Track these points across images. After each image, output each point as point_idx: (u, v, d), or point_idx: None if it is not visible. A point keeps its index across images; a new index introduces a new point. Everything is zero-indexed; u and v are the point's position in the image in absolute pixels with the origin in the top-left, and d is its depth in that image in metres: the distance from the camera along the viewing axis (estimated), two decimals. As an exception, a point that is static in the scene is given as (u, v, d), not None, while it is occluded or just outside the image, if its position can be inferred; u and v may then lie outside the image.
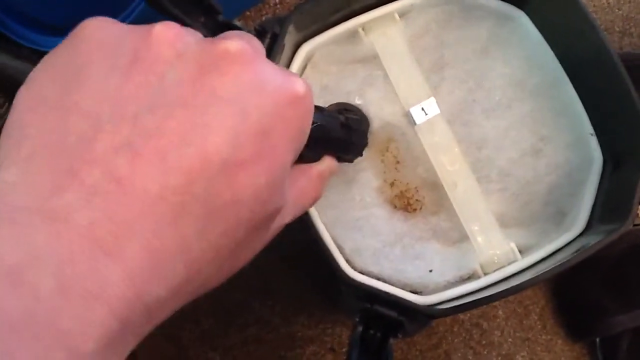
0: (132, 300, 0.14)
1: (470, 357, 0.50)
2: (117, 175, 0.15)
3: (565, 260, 0.27)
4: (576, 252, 0.28)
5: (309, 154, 0.19)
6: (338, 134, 0.24)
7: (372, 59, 0.34)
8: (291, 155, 0.18)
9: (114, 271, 0.14)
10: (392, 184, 0.32)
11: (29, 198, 0.14)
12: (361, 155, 0.29)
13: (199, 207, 0.15)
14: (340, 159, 0.25)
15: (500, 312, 0.50)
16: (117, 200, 0.14)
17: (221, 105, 0.16)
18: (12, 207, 0.14)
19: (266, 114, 0.17)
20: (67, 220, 0.14)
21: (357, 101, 0.33)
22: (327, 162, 0.24)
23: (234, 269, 0.19)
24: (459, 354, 0.50)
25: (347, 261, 0.29)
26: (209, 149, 0.15)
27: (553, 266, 0.27)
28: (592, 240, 0.29)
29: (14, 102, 0.16)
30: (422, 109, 0.32)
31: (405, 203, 0.32)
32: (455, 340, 0.50)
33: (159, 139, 0.15)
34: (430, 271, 0.29)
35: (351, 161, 0.29)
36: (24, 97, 0.16)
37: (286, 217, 0.21)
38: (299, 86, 0.18)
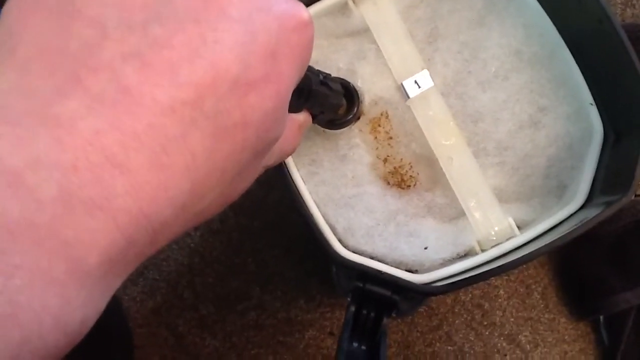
0: (137, 216, 0.14)
1: (472, 338, 0.49)
2: (125, 84, 0.14)
3: (564, 234, 0.26)
4: (576, 225, 0.27)
5: (293, 102, 0.19)
6: (318, 88, 0.25)
7: (364, 32, 0.33)
8: (294, 84, 0.18)
9: (121, 183, 0.13)
10: (385, 160, 0.31)
11: (29, 103, 0.13)
12: (341, 125, 0.29)
13: (209, 124, 0.15)
14: (314, 119, 0.26)
15: (501, 292, 0.49)
16: (125, 109, 0.14)
17: (231, 23, 0.15)
18: (9, 111, 0.13)
19: (274, 36, 0.16)
20: (72, 127, 0.13)
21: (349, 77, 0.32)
22: (305, 115, 0.24)
23: (230, 199, 0.18)
24: (461, 335, 0.49)
25: (340, 240, 0.29)
26: (220, 65, 0.15)
27: (552, 240, 0.26)
28: (593, 213, 0.28)
29: (5, 8, 0.15)
30: (415, 82, 0.31)
31: (399, 179, 0.30)
32: (457, 321, 0.49)
33: (170, 51, 0.14)
34: (426, 248, 0.28)
35: (322, 124, 0.29)
36: (16, 2, 0.15)
37: (271, 159, 0.21)
38: (304, 13, 0.17)
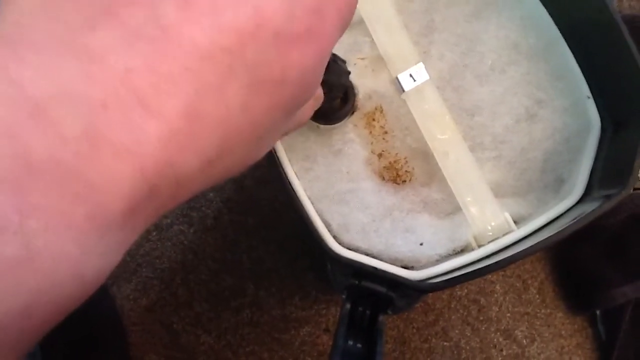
0: (164, 165, 0.13)
1: (468, 334, 0.49)
2: (163, 22, 0.13)
3: (562, 228, 0.26)
4: (574, 219, 0.26)
5: None
6: (331, 64, 0.24)
7: (358, 25, 0.32)
8: (334, 45, 0.17)
9: (151, 127, 0.13)
10: (380, 155, 0.30)
11: (56, 28, 0.12)
12: (335, 120, 0.29)
13: (247, 76, 0.14)
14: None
15: (498, 287, 0.49)
16: (162, 49, 0.13)
17: None
18: (33, 34, 0.12)
19: None
20: (103, 60, 0.12)
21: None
22: (320, 90, 0.23)
23: (253, 160, 0.17)
24: (457, 331, 0.49)
25: (335, 237, 0.28)
26: (265, 12, 0.14)
27: (550, 235, 0.26)
28: (591, 207, 0.27)
29: None
30: (411, 75, 0.31)
31: (394, 174, 0.30)
32: (453, 316, 0.49)
33: None
34: (421, 244, 0.28)
35: (316, 118, 0.29)
36: None
37: (291, 124, 0.20)
38: None
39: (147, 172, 0.13)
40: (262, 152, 0.18)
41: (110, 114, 0.12)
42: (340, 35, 0.17)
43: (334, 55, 0.25)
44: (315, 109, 0.22)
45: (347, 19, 0.17)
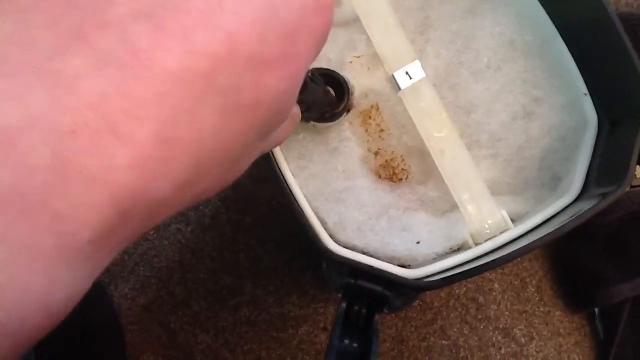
0: (135, 192, 0.13)
1: (467, 332, 0.49)
2: (134, 47, 0.13)
3: (559, 226, 0.26)
4: (571, 217, 0.26)
5: None
6: (308, 82, 0.24)
7: (353, 22, 0.32)
8: (307, 67, 0.17)
9: (121, 154, 0.12)
10: (376, 153, 0.30)
11: (27, 55, 0.12)
12: (330, 118, 0.29)
13: (220, 100, 0.14)
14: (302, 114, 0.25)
15: (496, 286, 0.49)
16: (133, 74, 0.13)
17: None
18: (5, 63, 0.12)
19: (294, 16, 0.15)
20: (72, 86, 0.12)
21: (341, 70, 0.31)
22: (296, 109, 0.23)
23: (227, 182, 0.17)
24: (455, 329, 0.48)
25: (331, 235, 0.28)
26: (237, 38, 0.14)
27: (547, 233, 0.26)
28: (588, 205, 0.27)
29: None
30: (407, 73, 0.31)
31: (390, 172, 0.30)
32: (451, 315, 0.49)
33: (185, 15, 0.13)
34: (418, 243, 0.28)
35: (312, 118, 0.29)
36: None
37: (266, 145, 0.20)
38: None
39: (118, 199, 0.12)
40: (238, 173, 0.18)
41: (79, 140, 0.12)
42: (316, 56, 0.17)
43: (311, 73, 0.25)
44: (293, 128, 0.22)
45: (322, 41, 0.17)
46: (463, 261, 0.27)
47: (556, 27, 0.32)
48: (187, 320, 0.51)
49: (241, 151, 0.16)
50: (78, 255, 0.12)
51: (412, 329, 0.49)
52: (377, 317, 0.24)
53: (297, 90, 0.17)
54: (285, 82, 0.16)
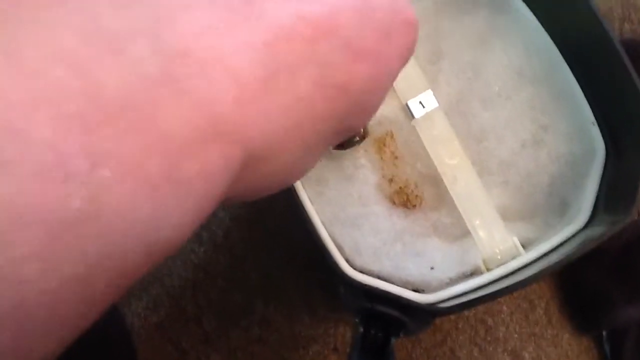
0: (236, 129, 0.12)
1: (476, 354, 0.49)
2: None
3: (569, 253, 0.27)
4: (580, 244, 0.27)
5: None
6: None
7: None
8: (394, 76, 0.17)
9: (227, 88, 0.12)
10: (390, 180, 0.31)
11: None
12: (347, 145, 0.30)
13: (316, 71, 0.14)
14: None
15: (505, 308, 0.49)
16: (244, 17, 0.13)
17: None
18: None
19: (388, 19, 0.16)
20: (185, 10, 0.12)
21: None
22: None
23: (288, 179, 0.17)
24: (465, 351, 0.49)
25: (347, 260, 0.29)
26: (340, 17, 0.14)
27: (557, 260, 0.26)
28: (596, 231, 0.28)
29: None
30: (420, 102, 0.32)
31: (404, 199, 0.31)
32: (461, 337, 0.49)
33: None
34: (432, 268, 0.29)
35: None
36: None
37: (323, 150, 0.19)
38: (413, 12, 0.17)
39: (220, 134, 0.12)
40: (300, 172, 0.17)
41: (190, 64, 0.11)
42: (401, 69, 0.18)
43: None
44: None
45: (408, 54, 0.18)
46: (476, 286, 0.28)
47: (563, 55, 0.33)
48: (199, 339, 0.52)
49: (319, 137, 0.15)
50: (183, 189, 0.11)
51: (422, 350, 0.49)
52: (393, 341, 0.25)
53: (384, 94, 0.17)
54: (373, 79, 0.16)
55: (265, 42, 0.13)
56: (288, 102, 0.14)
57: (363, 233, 0.29)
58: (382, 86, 0.16)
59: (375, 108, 0.17)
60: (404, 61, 0.18)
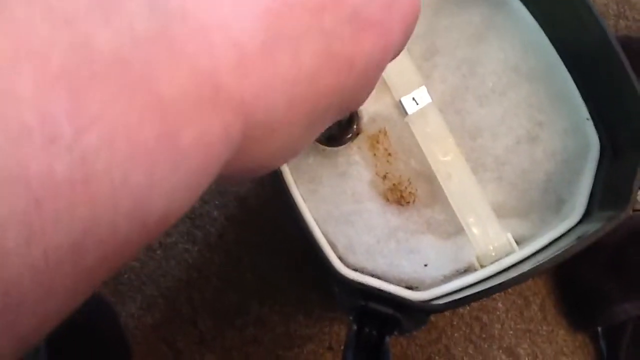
0: (235, 95, 0.12)
1: (471, 351, 0.49)
2: None
3: (564, 249, 0.26)
4: (575, 240, 0.27)
5: None
6: None
7: (361, 49, 0.33)
8: (397, 52, 0.17)
9: (228, 53, 0.11)
10: (384, 177, 0.31)
11: None
12: (339, 142, 0.30)
13: (322, 42, 0.14)
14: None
15: (500, 305, 0.49)
16: None
17: None
18: None
19: None
20: None
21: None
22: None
23: (290, 153, 0.16)
24: (460, 348, 0.49)
25: (340, 258, 0.29)
26: None
27: (552, 256, 0.26)
28: (591, 227, 0.28)
29: None
30: (413, 98, 0.31)
31: (398, 196, 0.31)
32: (456, 334, 0.49)
33: None
34: (426, 265, 0.28)
35: (321, 141, 0.30)
36: None
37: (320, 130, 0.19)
38: None
39: (220, 102, 0.11)
40: (297, 151, 0.17)
41: (187, 24, 0.11)
42: (405, 43, 0.17)
43: None
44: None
45: (411, 27, 0.17)
46: (469, 283, 0.28)
47: (559, 53, 0.33)
48: (194, 340, 0.51)
49: (321, 114, 0.15)
50: (179, 156, 0.10)
51: (417, 347, 0.49)
52: (388, 339, 0.25)
53: (380, 73, 0.17)
54: (378, 52, 0.15)
55: (268, 9, 0.12)
56: (292, 75, 0.13)
57: (357, 230, 0.29)
58: (386, 58, 0.16)
59: (374, 85, 0.17)
60: (409, 32, 0.17)
